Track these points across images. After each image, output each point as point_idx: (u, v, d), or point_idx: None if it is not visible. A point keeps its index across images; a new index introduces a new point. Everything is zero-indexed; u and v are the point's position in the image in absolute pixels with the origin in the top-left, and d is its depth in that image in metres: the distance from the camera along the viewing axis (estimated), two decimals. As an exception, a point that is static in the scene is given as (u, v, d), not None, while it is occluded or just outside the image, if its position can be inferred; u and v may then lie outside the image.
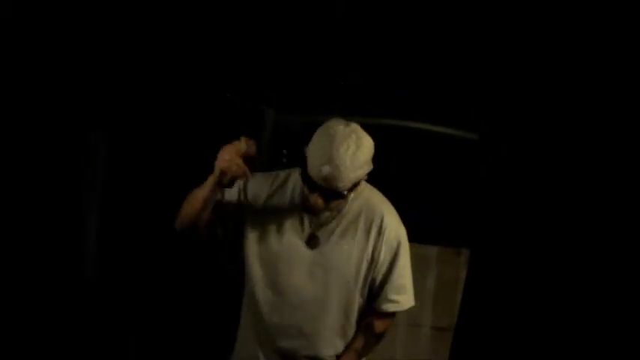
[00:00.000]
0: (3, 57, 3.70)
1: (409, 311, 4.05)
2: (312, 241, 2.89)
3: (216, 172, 2.73)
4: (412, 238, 4.08)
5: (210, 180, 2.76)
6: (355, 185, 2.78)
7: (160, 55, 4.05)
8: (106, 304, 4.11)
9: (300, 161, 2.79)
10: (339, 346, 2.98)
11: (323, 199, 2.76)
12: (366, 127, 2.80)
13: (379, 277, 2.95)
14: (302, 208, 2.88)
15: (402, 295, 2.99)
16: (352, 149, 2.68)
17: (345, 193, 2.75)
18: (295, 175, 2.94)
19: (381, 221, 2.92)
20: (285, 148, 4.14)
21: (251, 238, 2.94)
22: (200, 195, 2.80)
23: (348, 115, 3.00)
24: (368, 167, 2.78)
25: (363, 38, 4.24)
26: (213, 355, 3.83)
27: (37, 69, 3.81)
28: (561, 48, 3.93)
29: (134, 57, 4.00)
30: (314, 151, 2.70)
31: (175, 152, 4.13)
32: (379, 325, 3.02)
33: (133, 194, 4.15)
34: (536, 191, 3.97)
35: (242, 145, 2.72)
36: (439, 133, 4.21)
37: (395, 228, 2.95)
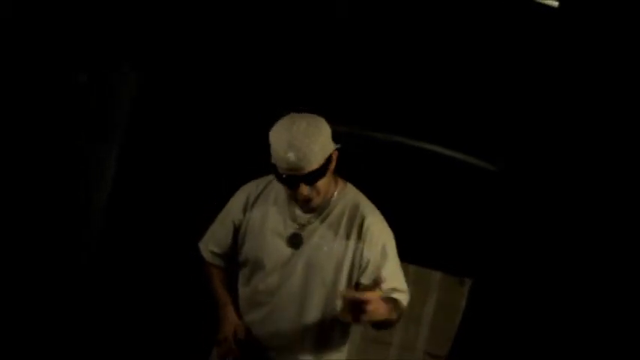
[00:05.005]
0: (3, 57, 3.77)
1: (404, 334, 4.03)
2: (293, 241, 2.93)
3: (221, 326, 3.02)
4: (416, 260, 4.02)
5: (218, 306, 3.05)
6: (328, 161, 2.78)
7: (161, 58, 4.06)
8: (105, 304, 4.14)
9: (271, 168, 2.84)
10: (319, 347, 2.99)
11: (306, 186, 2.78)
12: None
13: (368, 280, 2.89)
14: (302, 210, 2.90)
15: (399, 294, 2.92)
16: (303, 126, 2.73)
17: (321, 169, 2.75)
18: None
19: (362, 223, 2.91)
20: None
21: (240, 242, 3.02)
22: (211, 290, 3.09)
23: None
24: (331, 143, 2.80)
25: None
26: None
27: (37, 69, 3.87)
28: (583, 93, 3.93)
29: (135, 59, 3.99)
30: (274, 146, 2.76)
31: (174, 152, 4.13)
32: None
33: (133, 195, 4.19)
34: (546, 228, 3.93)
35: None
36: (457, 160, 4.17)
37: (378, 230, 2.93)
